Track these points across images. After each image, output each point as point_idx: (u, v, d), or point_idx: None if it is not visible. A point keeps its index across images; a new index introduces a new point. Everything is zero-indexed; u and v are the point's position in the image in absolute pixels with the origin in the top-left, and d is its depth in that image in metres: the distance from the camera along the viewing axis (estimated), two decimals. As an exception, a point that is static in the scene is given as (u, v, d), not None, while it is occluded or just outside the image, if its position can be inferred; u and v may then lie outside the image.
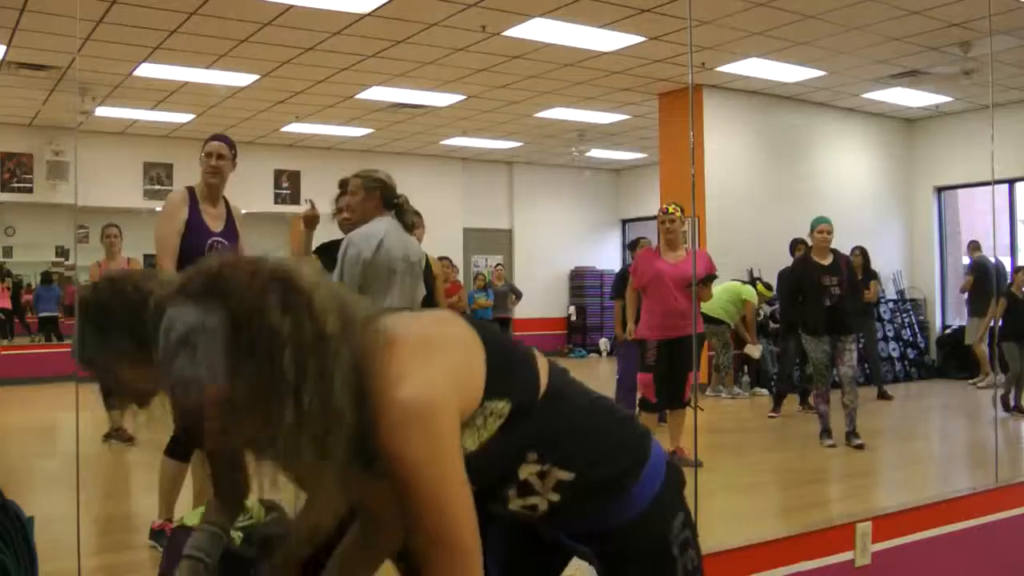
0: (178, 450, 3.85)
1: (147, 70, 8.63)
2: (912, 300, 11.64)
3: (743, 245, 9.77)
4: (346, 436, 1.19)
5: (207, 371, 1.15)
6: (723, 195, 9.93)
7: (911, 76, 9.47)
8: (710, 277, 5.89)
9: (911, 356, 11.21)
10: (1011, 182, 10.79)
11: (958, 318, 11.22)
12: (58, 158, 11.07)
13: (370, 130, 11.87)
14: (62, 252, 13.63)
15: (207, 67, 8.66)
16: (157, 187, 11.81)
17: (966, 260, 10.74)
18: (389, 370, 1.21)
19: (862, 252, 8.90)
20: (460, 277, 11.38)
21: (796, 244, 8.45)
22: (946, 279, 11.81)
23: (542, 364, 1.40)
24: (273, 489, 1.38)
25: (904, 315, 11.37)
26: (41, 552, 2.07)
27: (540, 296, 14.64)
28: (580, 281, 15.64)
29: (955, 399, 9.80)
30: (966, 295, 10.12)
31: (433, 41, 8.04)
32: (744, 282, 9.18)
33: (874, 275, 9.32)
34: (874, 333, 9.89)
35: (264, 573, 2.02)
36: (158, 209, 4.14)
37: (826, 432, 6.54)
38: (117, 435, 6.47)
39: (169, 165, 12.03)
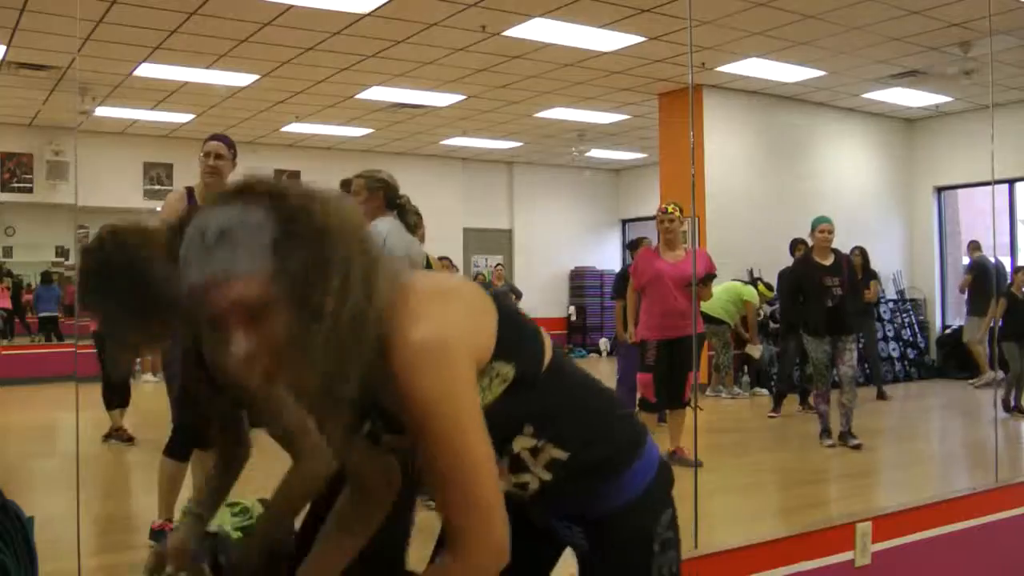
0: (177, 450, 3.85)
1: (147, 70, 8.63)
2: (912, 300, 11.65)
3: (743, 245, 9.77)
4: (365, 359, 1.15)
5: (251, 263, 1.10)
6: (723, 195, 9.93)
7: (911, 76, 9.47)
8: (710, 276, 5.89)
9: (911, 356, 11.21)
10: (1011, 182, 10.79)
11: (958, 318, 11.22)
12: (58, 158, 11.07)
13: (370, 130, 11.87)
14: (62, 252, 13.64)
15: (207, 67, 8.66)
16: (157, 187, 11.82)
17: (966, 260, 10.74)
18: (405, 312, 1.18)
19: (862, 252, 8.90)
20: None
21: (796, 244, 8.45)
22: (946, 279, 11.81)
23: (547, 341, 1.39)
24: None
25: (904, 315, 11.37)
26: (41, 552, 2.07)
27: (540, 296, 14.63)
28: (580, 281, 15.65)
29: (955, 399, 9.80)
30: (966, 295, 10.12)
31: (433, 41, 8.04)
32: (745, 282, 9.18)
33: (874, 275, 9.32)
34: (874, 333, 9.89)
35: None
36: (158, 209, 4.15)
37: (826, 432, 6.54)
38: (117, 435, 6.47)
39: (169, 165, 12.04)
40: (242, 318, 1.11)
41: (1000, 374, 8.03)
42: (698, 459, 3.85)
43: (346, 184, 4.43)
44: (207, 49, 8.08)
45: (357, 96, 9.99)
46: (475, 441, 1.21)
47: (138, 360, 7.73)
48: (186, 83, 9.22)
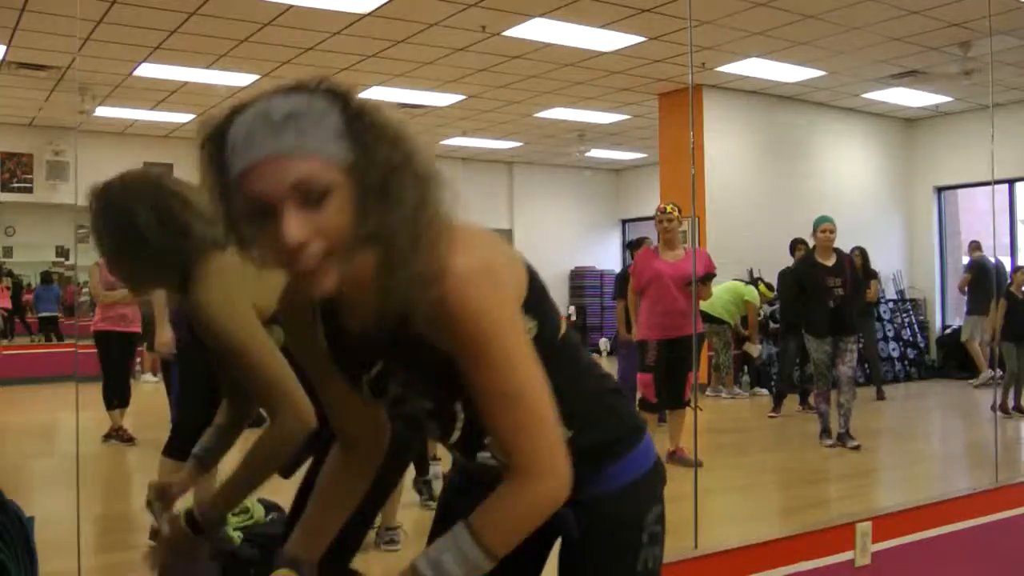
0: (177, 450, 3.85)
1: (147, 70, 8.63)
2: (912, 300, 11.65)
3: (743, 245, 9.77)
4: (419, 270, 1.13)
5: (319, 144, 1.08)
6: (723, 195, 9.93)
7: (911, 76, 9.47)
8: (709, 276, 5.90)
9: (911, 356, 11.21)
10: (1011, 182, 10.79)
11: (958, 318, 11.22)
12: (58, 158, 11.07)
13: (370, 130, 11.86)
14: (62, 252, 13.64)
15: (207, 67, 8.66)
16: (157, 187, 11.80)
17: (966, 260, 10.74)
18: (454, 240, 1.17)
19: (862, 252, 8.90)
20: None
21: (796, 244, 8.45)
22: (946, 279, 11.81)
23: (563, 319, 1.39)
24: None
25: (904, 315, 11.37)
26: (41, 552, 2.08)
27: (540, 296, 14.61)
28: (580, 281, 15.65)
29: (955, 399, 9.80)
30: (966, 294, 10.11)
31: (433, 41, 8.04)
32: (745, 282, 9.18)
33: (874, 275, 9.33)
34: (874, 333, 9.89)
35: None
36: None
37: (826, 432, 6.54)
38: (117, 435, 6.47)
39: (169, 165, 12.02)
40: (302, 199, 1.07)
41: (999, 372, 8.02)
42: (698, 459, 3.85)
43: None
44: (207, 49, 8.08)
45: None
46: (531, 362, 1.19)
47: (138, 360, 7.73)
48: (186, 83, 9.22)
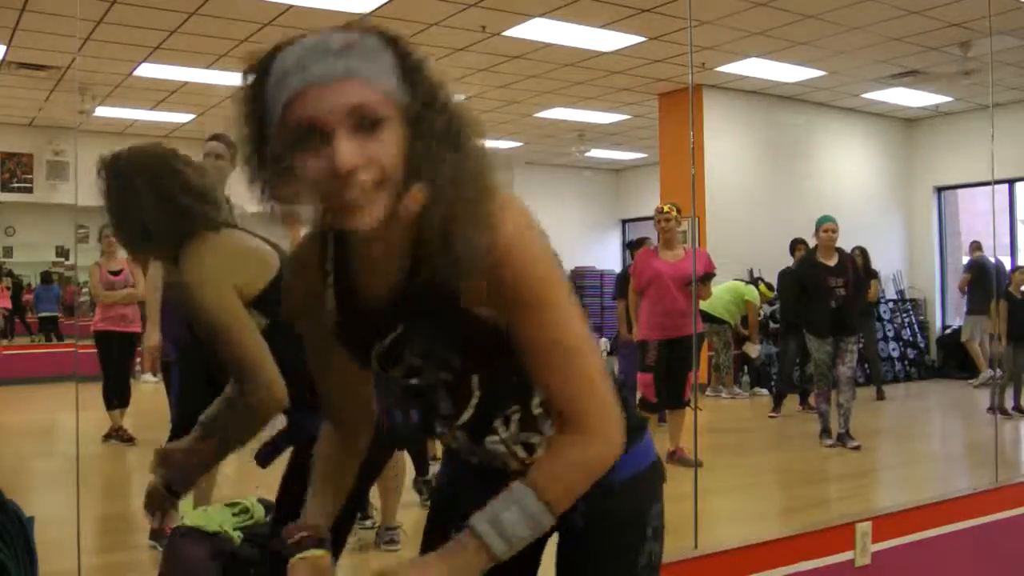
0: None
1: (147, 70, 8.63)
2: (912, 300, 11.65)
3: (743, 245, 9.77)
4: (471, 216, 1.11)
5: (376, 73, 1.08)
6: (723, 195, 9.93)
7: (911, 76, 9.47)
8: (708, 275, 5.90)
9: (911, 356, 11.21)
10: (1011, 182, 10.79)
11: (958, 318, 11.21)
12: (58, 158, 11.08)
13: (370, 130, 11.87)
14: (62, 252, 13.64)
15: (207, 67, 8.66)
16: (157, 187, 11.79)
17: (966, 260, 10.74)
18: (496, 200, 1.15)
19: (862, 252, 8.90)
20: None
21: (796, 244, 8.45)
22: (946, 279, 11.81)
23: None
24: None
25: (904, 315, 11.37)
26: (41, 552, 2.07)
27: (540, 296, 14.61)
28: (580, 281, 15.62)
29: (955, 399, 9.80)
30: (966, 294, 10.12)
31: (433, 41, 8.04)
32: (746, 282, 9.18)
33: (874, 275, 9.32)
34: (874, 333, 9.89)
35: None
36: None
37: (826, 432, 6.54)
38: (117, 435, 6.47)
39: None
40: (356, 126, 1.06)
41: (998, 372, 8.02)
42: (698, 459, 3.85)
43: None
44: (207, 49, 8.07)
45: (357, 96, 9.99)
46: (581, 319, 1.19)
47: (138, 360, 7.73)
48: (186, 83, 9.22)
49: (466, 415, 1.30)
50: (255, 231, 2.23)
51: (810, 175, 10.69)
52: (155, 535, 3.91)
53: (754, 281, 9.42)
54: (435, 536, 1.44)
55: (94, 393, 6.24)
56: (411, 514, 4.29)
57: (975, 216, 11.91)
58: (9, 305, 12.38)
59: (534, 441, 1.31)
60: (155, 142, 2.14)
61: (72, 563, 2.80)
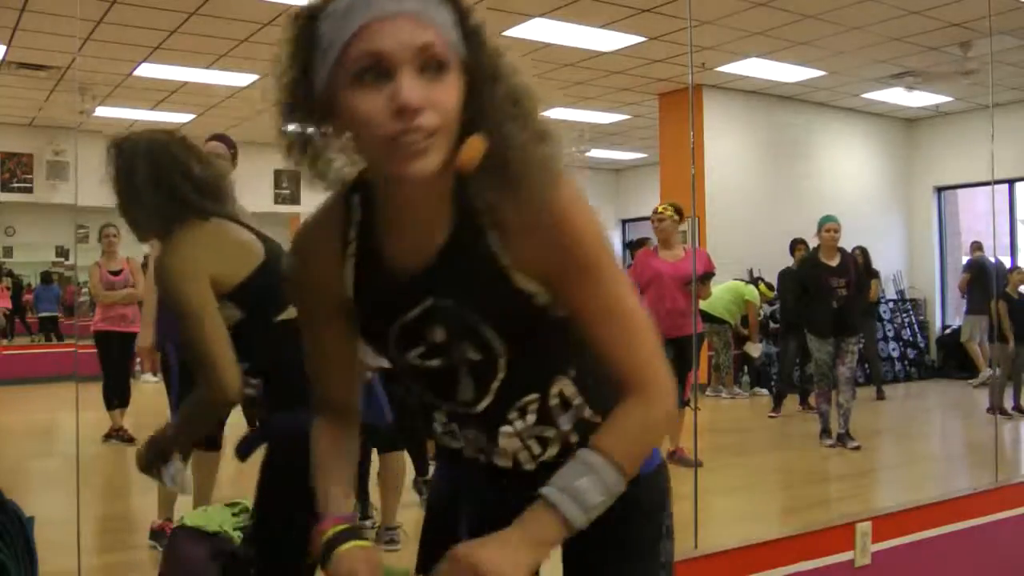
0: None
1: (147, 70, 8.63)
2: (912, 300, 11.64)
3: (743, 245, 9.77)
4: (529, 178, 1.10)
5: (442, 18, 1.06)
6: (723, 195, 9.93)
7: (911, 76, 9.47)
8: (708, 275, 5.90)
9: (911, 356, 11.21)
10: (1011, 182, 10.79)
11: (958, 318, 11.21)
12: (58, 158, 11.07)
13: (370, 130, 11.86)
14: (62, 252, 13.64)
15: (207, 67, 8.66)
16: (157, 187, 11.79)
17: (966, 260, 10.74)
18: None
19: (863, 252, 8.90)
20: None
21: (796, 244, 8.45)
22: (946, 279, 11.81)
23: None
24: None
25: (904, 315, 11.37)
26: (41, 552, 2.08)
27: (540, 296, 14.60)
28: (580, 281, 15.64)
29: (955, 399, 9.80)
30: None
31: (433, 41, 8.04)
32: (746, 282, 9.18)
33: (875, 275, 9.32)
34: (874, 333, 9.89)
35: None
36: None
37: (826, 432, 6.53)
38: (117, 435, 6.47)
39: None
40: (422, 67, 1.03)
41: (997, 371, 8.01)
42: (698, 459, 3.85)
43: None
44: (207, 49, 8.07)
45: (357, 96, 9.98)
46: (631, 288, 1.19)
47: (138, 360, 7.73)
48: (186, 83, 9.22)
49: (485, 401, 1.23)
50: (253, 225, 2.27)
51: (810, 175, 10.69)
52: (155, 535, 3.91)
53: (754, 281, 9.42)
54: (433, 542, 1.38)
55: (94, 393, 6.24)
56: (411, 514, 4.28)
57: (975, 216, 11.91)
58: (9, 305, 12.38)
59: (548, 435, 1.26)
60: (164, 129, 2.25)
61: (72, 563, 2.80)
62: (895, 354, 10.99)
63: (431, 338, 1.20)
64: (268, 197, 12.76)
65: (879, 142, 11.73)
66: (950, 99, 10.49)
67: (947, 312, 11.85)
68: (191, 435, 2.14)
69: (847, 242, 7.06)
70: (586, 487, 1.12)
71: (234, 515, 2.75)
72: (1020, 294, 8.08)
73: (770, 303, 9.56)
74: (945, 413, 9.40)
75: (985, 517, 3.48)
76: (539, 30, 7.78)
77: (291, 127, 1.17)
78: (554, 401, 1.25)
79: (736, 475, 5.75)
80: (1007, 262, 10.60)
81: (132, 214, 2.13)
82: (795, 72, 9.37)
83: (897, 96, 10.44)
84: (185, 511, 3.64)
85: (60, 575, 2.72)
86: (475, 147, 1.09)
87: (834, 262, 6.52)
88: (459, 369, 1.21)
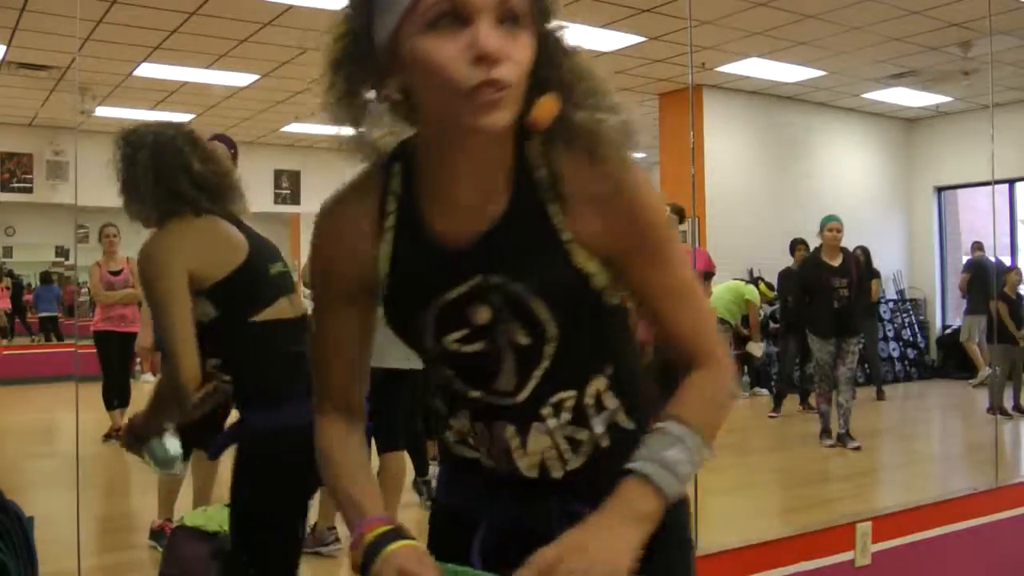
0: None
1: (147, 70, 8.62)
2: (912, 300, 11.64)
3: (743, 245, 9.76)
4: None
5: None
6: (723, 195, 9.93)
7: (911, 76, 9.47)
8: (708, 274, 5.90)
9: (911, 356, 11.20)
10: (1011, 182, 10.78)
11: (958, 318, 11.21)
12: (58, 158, 11.06)
13: (370, 130, 11.85)
14: (62, 252, 13.64)
15: (207, 67, 8.65)
16: (157, 187, 11.79)
17: (966, 260, 10.74)
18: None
19: (864, 252, 8.90)
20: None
21: (796, 244, 8.44)
22: (946, 279, 11.81)
23: None
24: None
25: (904, 315, 11.37)
26: (41, 552, 2.07)
27: (540, 296, 14.59)
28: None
29: (955, 399, 9.80)
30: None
31: (433, 41, 8.03)
32: (746, 282, 9.18)
33: (876, 274, 9.32)
34: (874, 333, 9.89)
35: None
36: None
37: (826, 432, 6.53)
38: (117, 435, 6.46)
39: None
40: (500, 18, 1.00)
41: (996, 371, 8.01)
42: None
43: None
44: (207, 49, 8.07)
45: (357, 96, 9.97)
46: (689, 263, 1.20)
47: (138, 360, 7.73)
48: (186, 83, 9.21)
49: (525, 391, 1.14)
50: (249, 225, 2.31)
51: (810, 175, 10.69)
52: (155, 535, 3.91)
53: (754, 281, 9.41)
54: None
55: (94, 393, 6.24)
56: (411, 514, 4.29)
57: (975, 216, 11.91)
58: (9, 305, 12.38)
59: (581, 438, 1.17)
60: (172, 122, 2.35)
61: (72, 563, 2.80)
62: (895, 354, 10.99)
63: (474, 320, 1.12)
64: (268, 197, 12.76)
65: (879, 142, 11.73)
66: (950, 99, 10.48)
67: (947, 312, 11.85)
68: (159, 418, 2.23)
69: (848, 242, 7.07)
70: (677, 458, 1.08)
71: (234, 515, 2.75)
72: (1019, 294, 8.08)
73: (770, 303, 9.55)
74: (945, 413, 9.40)
75: (985, 517, 3.48)
76: (539, 30, 7.78)
77: (340, 87, 1.11)
78: (590, 400, 1.18)
79: (736, 475, 5.74)
80: (1008, 262, 10.59)
81: (130, 202, 2.21)
82: (795, 72, 9.36)
83: (897, 96, 10.44)
84: (185, 511, 3.64)
85: (60, 575, 2.72)
86: (548, 106, 1.06)
87: (836, 262, 6.51)
88: (502, 354, 1.13)
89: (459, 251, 1.10)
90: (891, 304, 11.27)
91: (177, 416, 2.19)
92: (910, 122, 11.80)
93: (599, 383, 1.18)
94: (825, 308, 6.46)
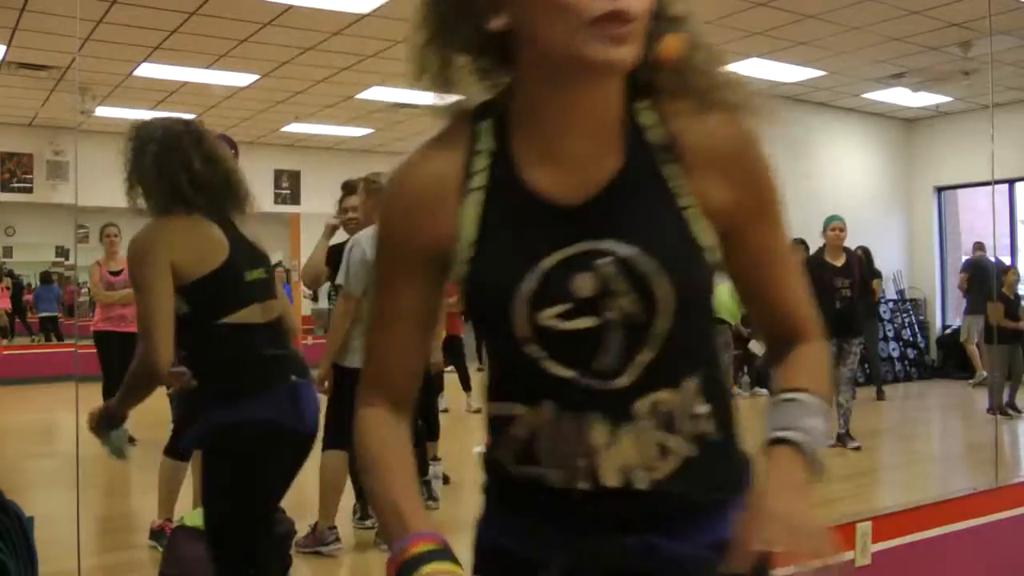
0: (178, 449, 3.85)
1: (147, 70, 8.63)
2: (912, 300, 11.64)
3: (743, 245, 9.76)
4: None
5: None
6: (723, 195, 9.93)
7: (911, 76, 9.47)
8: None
9: (911, 356, 11.21)
10: (1011, 182, 10.78)
11: (958, 318, 11.21)
12: (58, 158, 11.07)
13: (370, 130, 11.86)
14: (62, 252, 13.65)
15: (207, 67, 8.66)
16: (157, 187, 11.79)
17: (965, 260, 10.74)
18: None
19: (865, 252, 8.90)
20: (460, 277, 11.35)
21: (795, 244, 8.44)
22: (946, 279, 11.81)
23: None
24: None
25: (904, 315, 11.37)
26: (41, 552, 2.08)
27: (540, 296, 14.60)
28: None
29: (955, 399, 9.80)
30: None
31: (433, 41, 8.03)
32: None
33: (877, 274, 9.32)
34: (874, 333, 9.89)
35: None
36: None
37: (826, 432, 6.54)
38: (117, 435, 6.47)
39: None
40: None
41: (996, 374, 8.01)
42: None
43: (347, 186, 4.44)
44: (207, 49, 8.07)
45: (357, 96, 9.98)
46: None
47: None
48: (186, 83, 9.21)
49: (626, 376, 1.02)
50: (252, 230, 2.36)
51: (810, 175, 10.68)
52: (155, 535, 3.91)
53: (754, 281, 9.41)
54: None
55: (94, 393, 6.21)
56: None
57: (975, 216, 11.91)
58: (9, 305, 12.39)
59: (670, 445, 1.04)
60: (182, 118, 2.41)
61: (72, 563, 2.80)
62: (895, 354, 10.99)
63: (577, 292, 1.00)
64: (268, 197, 12.76)
65: (879, 142, 11.73)
66: (950, 99, 10.49)
67: (947, 312, 11.85)
68: (129, 403, 2.31)
69: (848, 242, 7.08)
70: (816, 427, 1.04)
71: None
72: (1017, 294, 8.08)
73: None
74: (945, 413, 9.40)
75: (985, 517, 3.48)
76: (539, 30, 7.78)
77: (433, 24, 1.01)
78: (683, 403, 1.06)
79: (736, 475, 5.74)
80: (1008, 262, 10.59)
81: (131, 189, 2.31)
82: (795, 72, 9.36)
83: (897, 96, 10.44)
84: (185, 511, 3.64)
85: (60, 575, 2.72)
86: (676, 44, 1.01)
87: (839, 262, 6.52)
88: (607, 329, 1.00)
89: (566, 212, 1.01)
90: (891, 304, 11.28)
91: (146, 398, 2.30)
92: (910, 122, 11.80)
93: (693, 385, 1.06)
94: (827, 308, 6.44)
